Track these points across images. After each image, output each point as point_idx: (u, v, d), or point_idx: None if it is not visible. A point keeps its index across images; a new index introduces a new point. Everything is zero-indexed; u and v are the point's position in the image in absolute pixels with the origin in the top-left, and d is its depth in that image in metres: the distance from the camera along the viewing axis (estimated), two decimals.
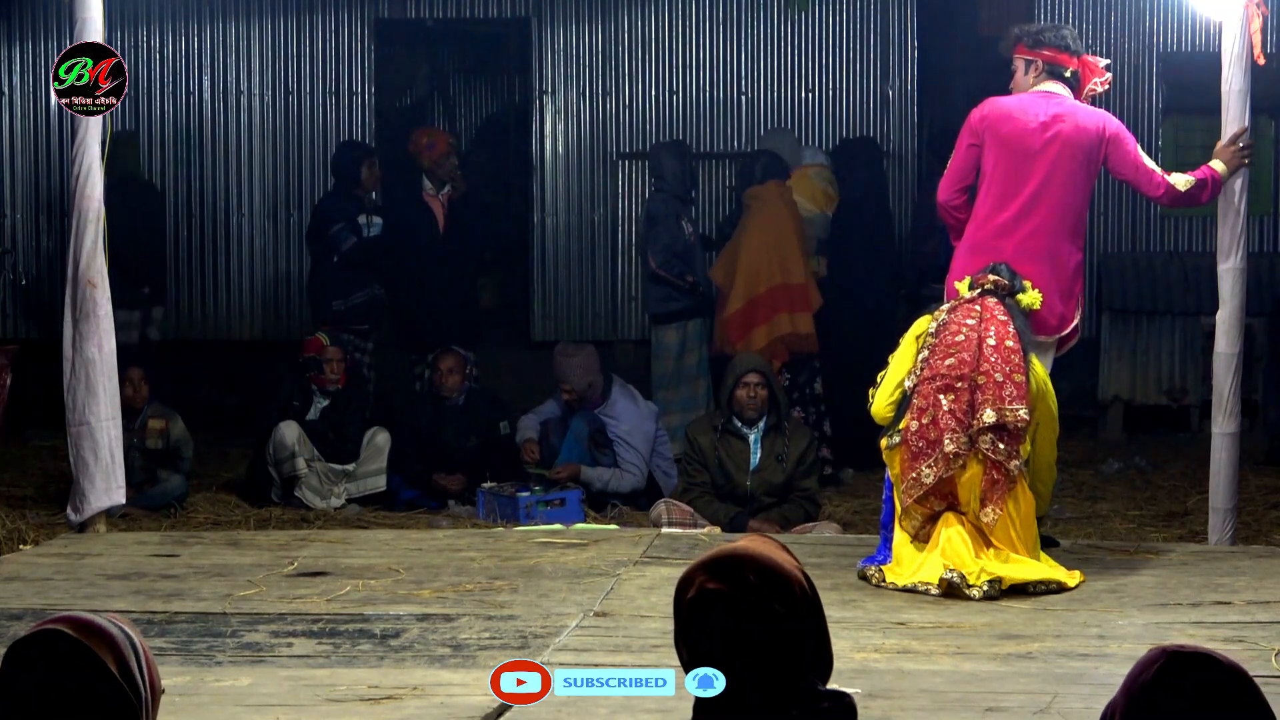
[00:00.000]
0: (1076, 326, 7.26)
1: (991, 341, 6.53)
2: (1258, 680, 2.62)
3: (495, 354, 11.98)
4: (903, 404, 6.62)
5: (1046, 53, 7.16)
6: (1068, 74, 7.16)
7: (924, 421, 6.48)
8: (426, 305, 10.73)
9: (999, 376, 6.47)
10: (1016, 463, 6.41)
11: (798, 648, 2.75)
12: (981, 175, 7.17)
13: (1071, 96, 7.17)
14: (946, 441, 6.42)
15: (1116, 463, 10.90)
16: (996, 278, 6.76)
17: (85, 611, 2.72)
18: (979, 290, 6.73)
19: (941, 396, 6.48)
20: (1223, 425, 7.48)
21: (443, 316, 10.72)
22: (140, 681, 2.64)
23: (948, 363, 6.53)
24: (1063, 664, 5.30)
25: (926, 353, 6.62)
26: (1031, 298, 6.86)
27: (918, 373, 6.59)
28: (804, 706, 2.71)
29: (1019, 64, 7.22)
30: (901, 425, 6.55)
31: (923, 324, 6.78)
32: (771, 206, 10.58)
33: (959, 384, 6.49)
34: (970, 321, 6.62)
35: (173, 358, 11.99)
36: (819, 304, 10.57)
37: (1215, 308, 7.56)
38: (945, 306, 6.81)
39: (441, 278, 10.72)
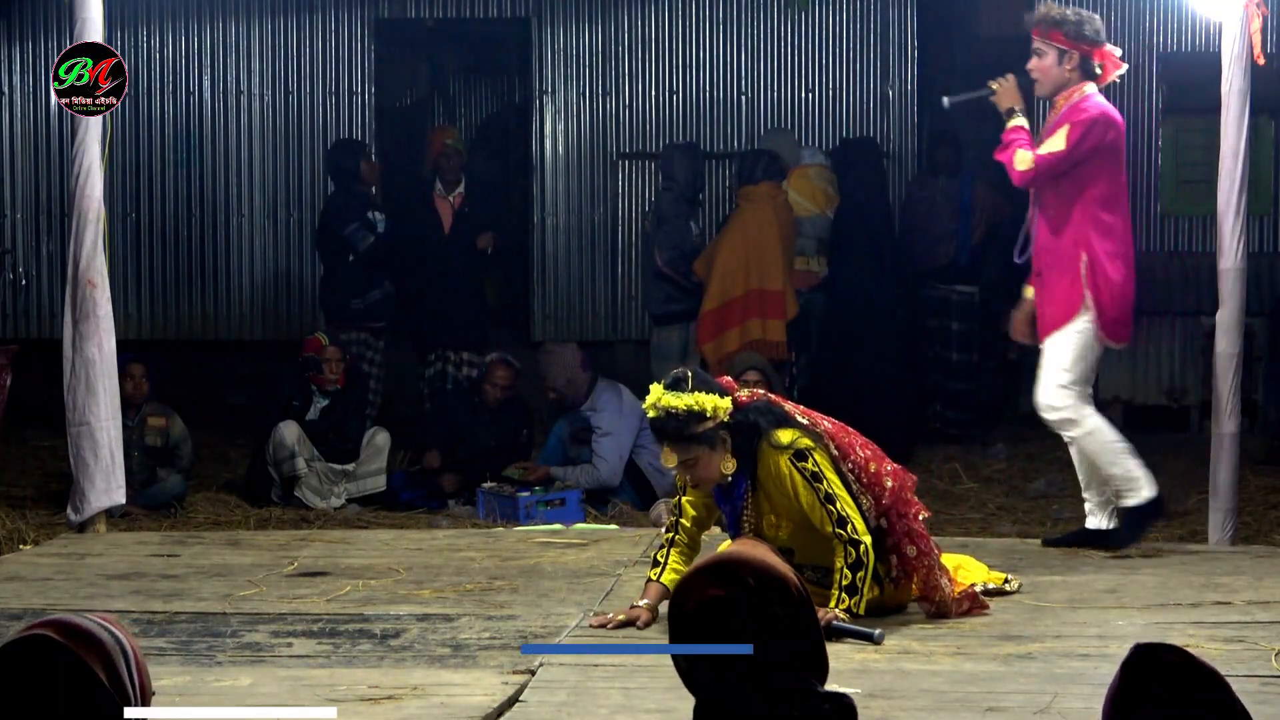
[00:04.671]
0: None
1: (828, 425, 5.90)
2: (1258, 680, 2.62)
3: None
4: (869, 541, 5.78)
5: (1084, 46, 7.03)
6: (1095, 69, 7.08)
7: (921, 546, 5.86)
8: (432, 305, 10.75)
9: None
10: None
11: (798, 648, 2.75)
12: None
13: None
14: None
15: None
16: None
17: (73, 614, 2.69)
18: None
19: (911, 515, 5.88)
20: (1223, 425, 7.48)
21: (449, 316, 10.75)
22: (129, 687, 2.61)
23: (888, 481, 5.85)
24: (1063, 664, 5.30)
25: (855, 476, 5.78)
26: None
27: (874, 495, 5.78)
28: (805, 708, 2.71)
29: (1052, 52, 7.03)
30: (883, 570, 5.82)
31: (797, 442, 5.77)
32: (759, 208, 10.56)
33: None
34: (827, 424, 5.88)
35: (173, 357, 12.00)
36: (794, 312, 10.53)
37: (1215, 308, 7.56)
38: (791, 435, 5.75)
39: (446, 278, 10.73)
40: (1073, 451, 7.26)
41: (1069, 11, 7.14)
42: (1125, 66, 7.23)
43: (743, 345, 10.22)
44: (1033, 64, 7.13)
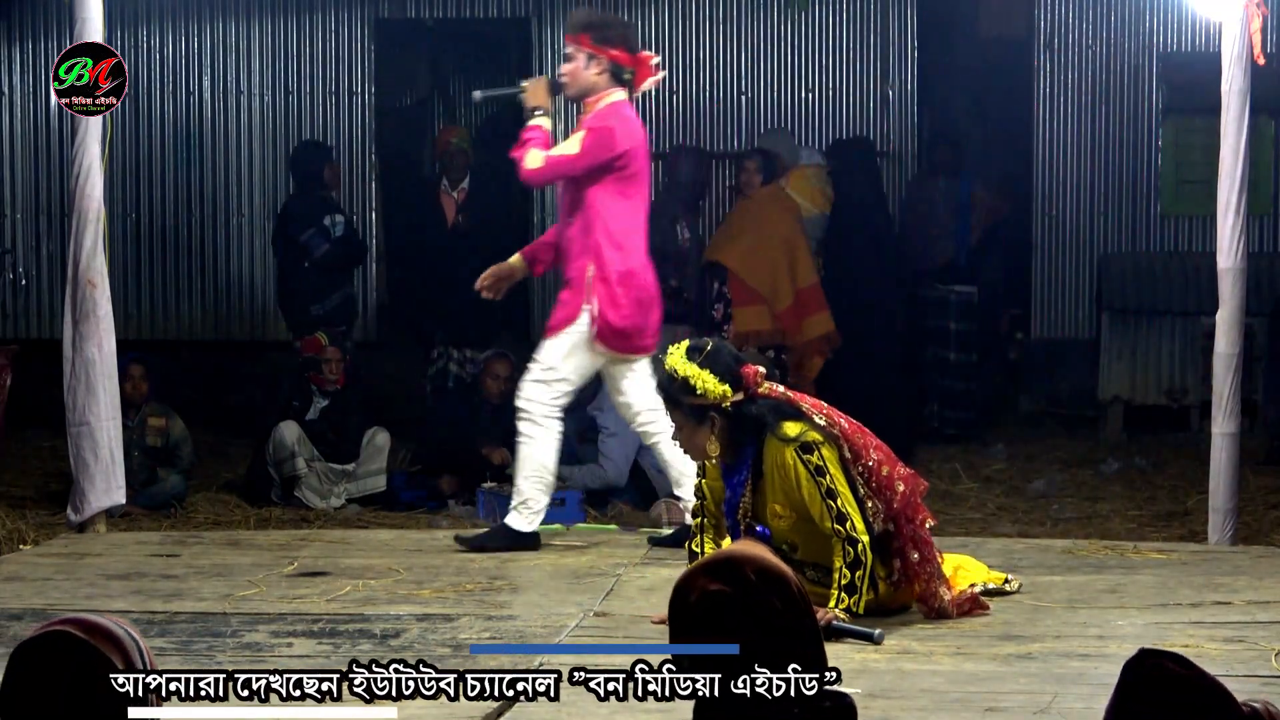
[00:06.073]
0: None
1: (845, 425, 5.84)
2: (1258, 680, 2.63)
3: None
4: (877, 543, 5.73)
5: (613, 52, 7.06)
6: (626, 75, 7.10)
7: (924, 553, 5.83)
8: (435, 301, 10.74)
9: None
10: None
11: (798, 645, 2.76)
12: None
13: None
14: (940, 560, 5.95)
15: (1116, 463, 10.91)
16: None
17: (87, 613, 2.74)
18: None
19: (918, 521, 5.83)
20: (1223, 425, 7.47)
21: (452, 313, 10.73)
22: None
23: (899, 485, 5.82)
24: (1063, 664, 5.30)
25: (866, 480, 5.71)
26: None
27: (885, 500, 5.72)
28: (805, 705, 2.71)
29: (581, 56, 7.06)
30: (884, 572, 5.79)
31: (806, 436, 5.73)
32: (771, 207, 10.63)
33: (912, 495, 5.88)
34: (845, 424, 5.82)
35: (173, 357, 12.00)
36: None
37: (1215, 308, 7.56)
38: (800, 426, 5.73)
39: (449, 274, 10.73)
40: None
41: (599, 16, 7.20)
42: (661, 74, 7.25)
43: (822, 335, 10.45)
44: (564, 67, 7.19)
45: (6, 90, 12.80)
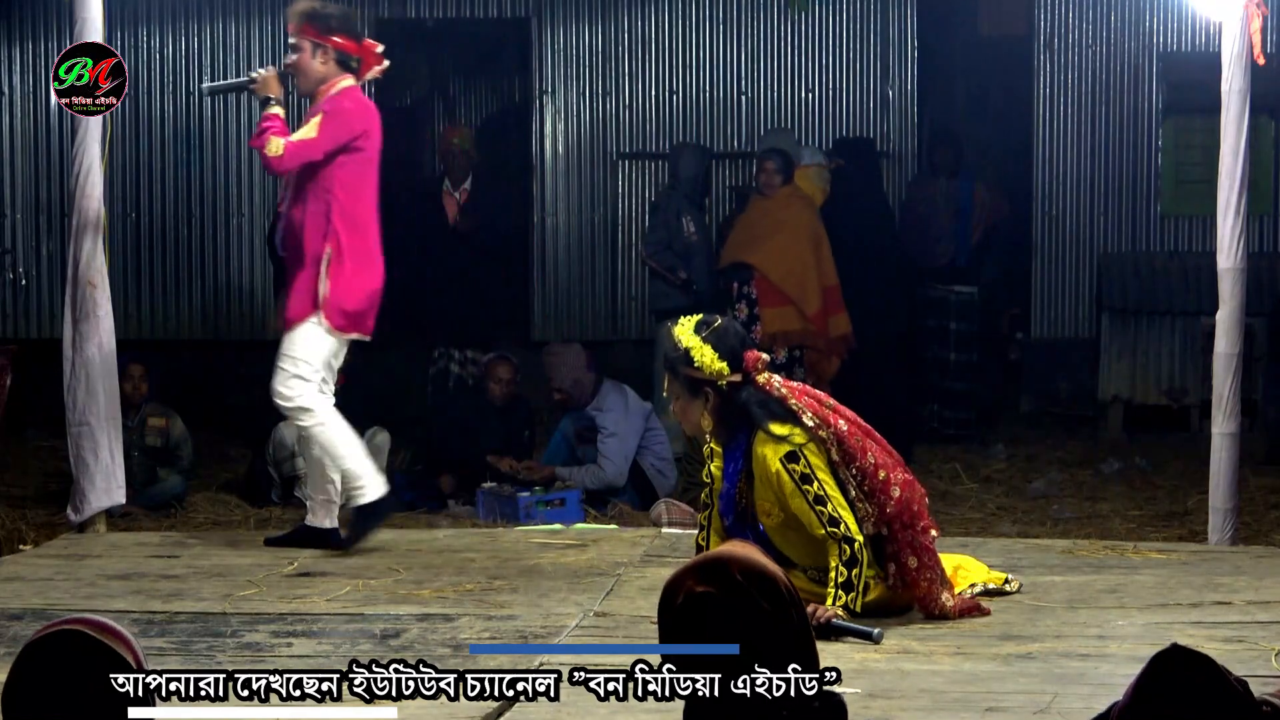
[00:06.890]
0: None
1: (843, 425, 5.80)
2: (1258, 680, 2.62)
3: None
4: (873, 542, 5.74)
5: (336, 39, 7.18)
6: (353, 63, 7.20)
7: (924, 560, 5.82)
8: (436, 301, 10.73)
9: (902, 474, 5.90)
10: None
11: (786, 646, 2.75)
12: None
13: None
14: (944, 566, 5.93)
15: (1116, 463, 10.91)
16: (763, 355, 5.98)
17: (89, 613, 2.76)
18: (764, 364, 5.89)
19: (918, 529, 5.80)
20: (1223, 425, 7.47)
21: (453, 312, 10.73)
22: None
23: (895, 490, 5.77)
24: (1063, 664, 5.30)
25: (859, 482, 5.70)
26: None
27: (878, 504, 5.70)
28: (794, 705, 2.71)
29: (306, 46, 7.19)
30: (881, 573, 5.78)
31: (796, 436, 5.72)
32: (793, 207, 10.71)
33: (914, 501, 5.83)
34: (843, 425, 5.78)
35: (173, 357, 12.00)
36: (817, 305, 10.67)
37: (1215, 308, 7.56)
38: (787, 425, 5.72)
39: (450, 274, 10.72)
40: (309, 450, 7.36)
41: (321, 6, 7.27)
42: (386, 63, 7.31)
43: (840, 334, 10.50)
44: (290, 59, 7.32)
45: (6, 90, 12.80)
